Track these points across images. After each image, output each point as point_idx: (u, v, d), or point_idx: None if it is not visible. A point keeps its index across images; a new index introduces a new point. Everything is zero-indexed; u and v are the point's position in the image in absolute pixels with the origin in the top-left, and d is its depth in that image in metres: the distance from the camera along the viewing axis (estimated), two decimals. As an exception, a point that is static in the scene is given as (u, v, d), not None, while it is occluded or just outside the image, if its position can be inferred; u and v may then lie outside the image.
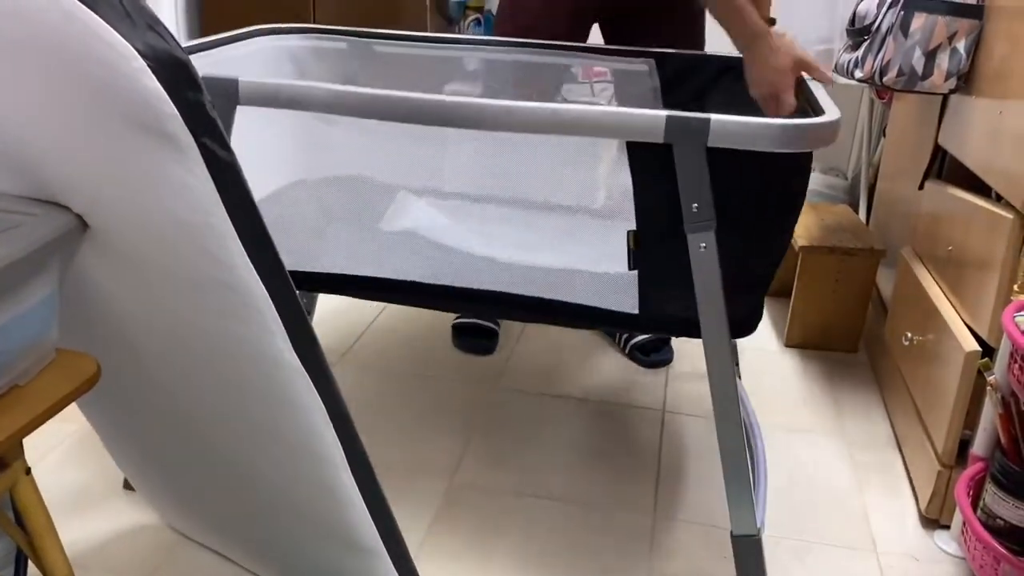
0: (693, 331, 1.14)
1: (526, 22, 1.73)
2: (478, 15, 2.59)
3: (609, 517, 1.44)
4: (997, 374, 1.27)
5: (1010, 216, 1.30)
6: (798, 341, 2.02)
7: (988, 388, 1.28)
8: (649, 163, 1.02)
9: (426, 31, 2.59)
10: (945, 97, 1.63)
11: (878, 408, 1.80)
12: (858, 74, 1.65)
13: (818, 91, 1.15)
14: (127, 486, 1.44)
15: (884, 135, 2.18)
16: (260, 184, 1.62)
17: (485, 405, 1.73)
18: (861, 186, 2.41)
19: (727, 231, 1.03)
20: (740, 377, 1.65)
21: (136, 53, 0.58)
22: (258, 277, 0.69)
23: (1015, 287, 1.25)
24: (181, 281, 0.72)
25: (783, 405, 1.79)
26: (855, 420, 1.75)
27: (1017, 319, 1.16)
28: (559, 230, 1.47)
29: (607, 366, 1.90)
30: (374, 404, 1.73)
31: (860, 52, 1.66)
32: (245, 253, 0.68)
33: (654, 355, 1.92)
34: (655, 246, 1.10)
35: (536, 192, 1.48)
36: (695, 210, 1.01)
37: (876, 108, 2.46)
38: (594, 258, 1.23)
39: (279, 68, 1.71)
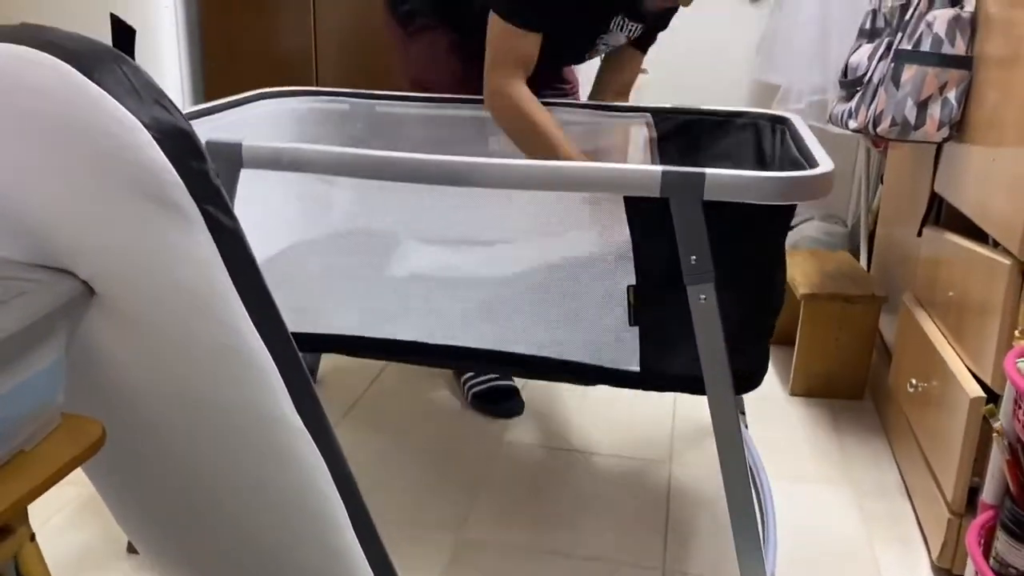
0: (698, 388, 1.14)
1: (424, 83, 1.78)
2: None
3: (617, 572, 1.42)
4: (1002, 420, 1.26)
5: (1007, 262, 1.31)
6: (803, 389, 2.02)
7: (994, 435, 1.28)
8: (647, 217, 1.04)
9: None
10: (939, 145, 1.66)
11: (886, 455, 1.78)
12: (852, 124, 1.68)
13: (812, 143, 1.17)
14: (131, 549, 1.43)
15: (881, 182, 2.21)
16: (263, 246, 1.64)
17: (490, 460, 1.73)
18: (861, 233, 2.42)
19: (724, 282, 1.04)
20: (746, 427, 1.65)
21: (142, 126, 0.60)
22: (261, 341, 0.70)
23: (1016, 332, 1.26)
24: (185, 345, 0.72)
25: (790, 454, 1.78)
26: (863, 468, 1.74)
27: (1020, 364, 1.16)
28: (556, 284, 1.47)
29: (612, 419, 1.89)
30: (378, 461, 1.72)
31: (853, 103, 1.68)
32: (249, 317, 0.69)
33: (503, 403, 1.89)
34: (655, 301, 1.11)
35: (539, 248, 1.48)
36: (694, 262, 1.02)
37: (873, 156, 2.49)
38: (594, 314, 1.23)
39: (283, 130, 1.74)
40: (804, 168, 1.01)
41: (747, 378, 1.15)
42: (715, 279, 1.03)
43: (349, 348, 1.35)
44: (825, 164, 1.02)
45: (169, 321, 0.72)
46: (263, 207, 1.60)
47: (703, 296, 1.03)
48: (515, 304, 1.29)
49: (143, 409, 0.82)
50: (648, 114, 1.58)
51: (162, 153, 0.61)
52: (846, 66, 1.77)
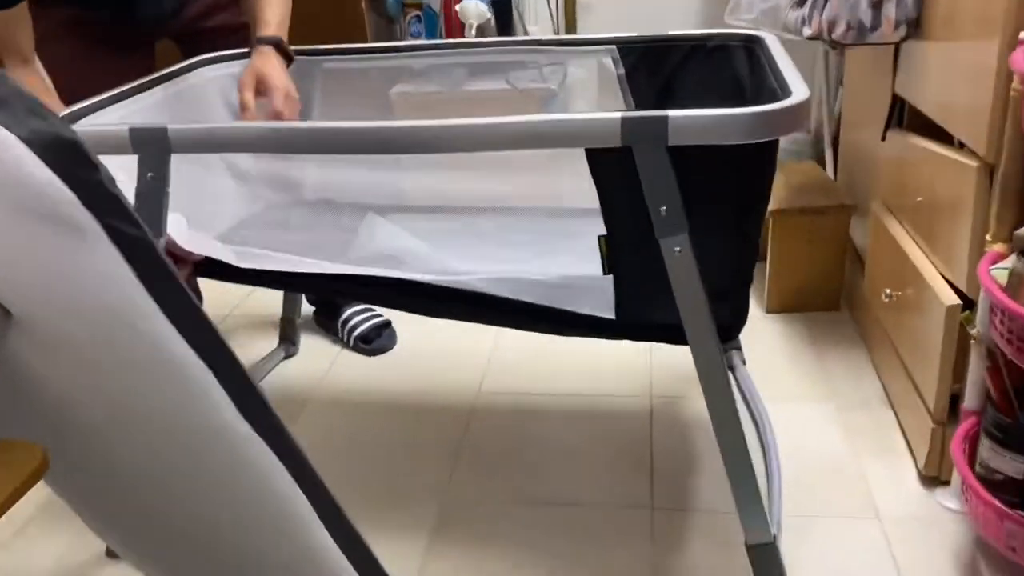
0: (676, 337, 1.10)
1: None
2: (417, 12, 2.54)
3: (607, 515, 1.41)
4: (980, 326, 1.24)
5: (974, 164, 1.27)
6: (778, 306, 2.00)
7: (972, 342, 1.26)
8: (610, 167, 0.98)
9: (365, 33, 2.52)
10: (897, 45, 1.60)
11: (866, 366, 1.77)
12: (807, 32, 1.62)
13: (786, 66, 1.09)
14: (109, 554, 1.39)
15: (842, 84, 2.15)
16: (223, 215, 1.56)
17: (469, 415, 1.70)
18: (825, 139, 2.37)
19: (701, 231, 0.98)
20: (744, 363, 1.61)
21: (17, 140, 0.54)
22: (191, 349, 0.65)
23: (987, 237, 1.23)
24: (112, 362, 0.68)
25: (770, 373, 1.76)
26: (845, 380, 1.73)
27: (993, 272, 1.14)
28: (532, 234, 1.42)
29: (588, 357, 1.87)
30: (352, 439, 1.69)
31: (806, 9, 1.62)
32: (173, 326, 0.64)
33: (377, 342, 1.96)
34: (629, 250, 1.06)
35: (506, 197, 1.43)
36: (664, 214, 0.96)
37: (831, 58, 2.42)
38: (571, 262, 1.18)
39: (227, 100, 1.63)
40: (779, 97, 0.94)
41: (727, 328, 1.11)
42: (690, 228, 0.97)
43: (324, 288, 1.29)
44: (799, 92, 0.95)
45: (91, 339, 0.67)
46: (219, 176, 1.52)
47: (677, 248, 0.97)
48: (486, 257, 1.23)
49: (82, 428, 0.78)
50: (612, 46, 1.47)
51: (47, 168, 0.55)
52: (796, -30, 1.70)
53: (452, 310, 1.23)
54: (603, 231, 1.06)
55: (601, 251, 1.08)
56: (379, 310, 2.02)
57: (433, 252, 1.27)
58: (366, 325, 1.98)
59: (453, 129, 0.96)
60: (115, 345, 0.67)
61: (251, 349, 1.97)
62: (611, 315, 1.14)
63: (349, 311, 2.00)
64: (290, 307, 1.95)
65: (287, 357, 1.95)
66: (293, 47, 1.62)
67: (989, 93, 1.20)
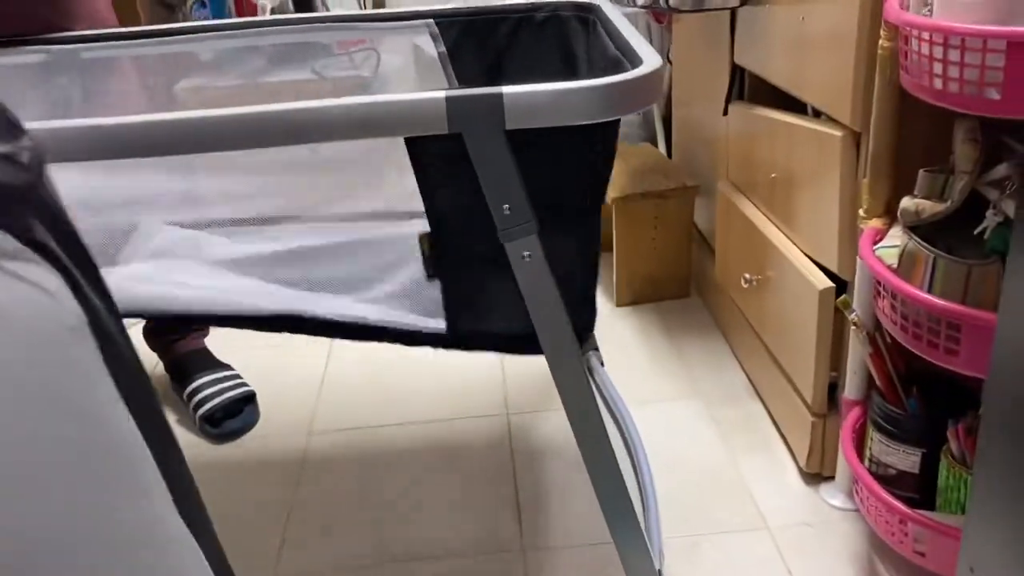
0: (520, 347, 0.93)
1: None
2: (202, -4, 2.23)
3: (471, 567, 1.21)
4: (859, 311, 1.14)
5: (838, 133, 1.16)
6: (629, 298, 1.87)
7: (853, 328, 1.15)
8: (436, 160, 0.78)
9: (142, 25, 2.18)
10: (734, 12, 1.49)
11: (726, 355, 1.67)
12: (640, 0, 1.48)
13: (629, 33, 0.93)
14: None
15: (669, 61, 2.05)
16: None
17: (299, 464, 1.45)
18: (655, 119, 2.28)
19: (550, 226, 0.80)
20: (603, 364, 1.44)
21: None
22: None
23: (861, 212, 1.12)
24: None
25: (631, 372, 1.62)
26: (707, 373, 1.62)
27: (878, 252, 1.03)
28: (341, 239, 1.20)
29: (430, 378, 1.66)
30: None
31: (638, -24, 1.48)
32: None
33: (229, 423, 1.53)
34: (457, 249, 0.86)
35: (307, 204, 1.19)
36: (508, 212, 0.77)
37: (655, 32, 2.32)
38: (380, 268, 0.97)
39: None
40: (626, 68, 0.77)
41: (583, 327, 0.94)
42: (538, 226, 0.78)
43: None
44: (651, 60, 0.79)
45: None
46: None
47: (527, 253, 0.79)
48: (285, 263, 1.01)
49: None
50: (430, 20, 1.27)
51: None
52: (622, -66, 1.56)
53: (257, 326, 1.00)
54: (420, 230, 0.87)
55: (423, 251, 0.89)
56: (242, 378, 1.59)
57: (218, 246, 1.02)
58: (218, 400, 1.52)
59: (240, 120, 0.73)
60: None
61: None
62: (440, 327, 0.95)
63: (199, 379, 1.55)
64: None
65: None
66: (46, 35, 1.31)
67: (851, 55, 1.09)
